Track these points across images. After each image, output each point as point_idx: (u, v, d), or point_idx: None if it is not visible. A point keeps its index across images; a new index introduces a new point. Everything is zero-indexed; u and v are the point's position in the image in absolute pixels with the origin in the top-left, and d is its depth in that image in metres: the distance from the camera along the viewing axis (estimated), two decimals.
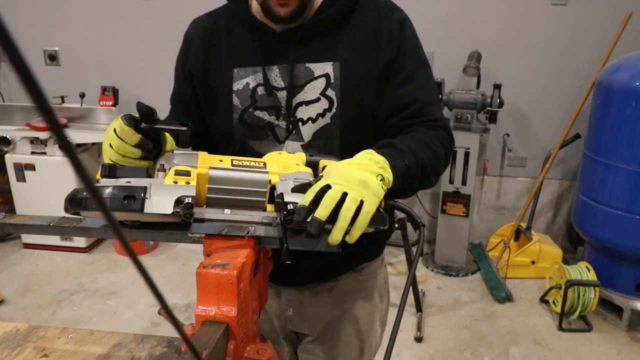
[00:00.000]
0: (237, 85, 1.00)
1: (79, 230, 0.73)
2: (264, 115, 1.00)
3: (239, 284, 0.64)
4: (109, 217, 0.28)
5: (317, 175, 0.83)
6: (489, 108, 2.88)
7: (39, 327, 0.91)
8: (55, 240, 3.24)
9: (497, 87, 2.85)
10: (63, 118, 3.16)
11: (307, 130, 0.99)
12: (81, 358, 0.83)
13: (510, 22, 3.07)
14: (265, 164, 0.79)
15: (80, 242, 3.24)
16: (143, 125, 0.75)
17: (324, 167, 0.86)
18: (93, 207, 0.64)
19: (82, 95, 3.20)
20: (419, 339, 2.46)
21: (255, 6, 1.00)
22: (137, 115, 0.77)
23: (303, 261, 1.06)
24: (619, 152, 2.44)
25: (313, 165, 0.86)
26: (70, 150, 0.24)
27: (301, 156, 0.86)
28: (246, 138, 1.02)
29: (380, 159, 0.77)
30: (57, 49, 3.49)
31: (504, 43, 3.10)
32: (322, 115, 0.98)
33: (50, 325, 0.92)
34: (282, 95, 0.99)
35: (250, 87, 1.00)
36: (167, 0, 3.28)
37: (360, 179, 0.70)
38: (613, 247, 2.55)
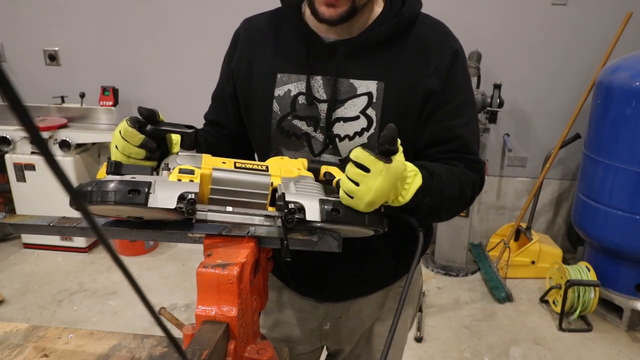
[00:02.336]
0: (279, 91, 0.97)
1: (79, 230, 0.73)
2: (302, 125, 0.97)
3: (239, 284, 0.64)
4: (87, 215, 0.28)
5: (317, 181, 0.84)
6: (489, 108, 2.87)
7: (39, 327, 0.91)
8: (55, 240, 3.24)
9: (497, 87, 2.85)
10: (63, 118, 3.15)
11: (345, 147, 0.95)
12: (81, 358, 0.83)
13: (510, 22, 3.07)
14: (267, 167, 0.79)
15: (80, 242, 3.23)
16: (148, 127, 0.77)
17: (325, 173, 0.86)
18: (98, 201, 0.65)
19: (82, 95, 3.20)
20: (419, 339, 2.46)
21: (308, 13, 0.96)
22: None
23: (345, 278, 1.06)
24: (619, 152, 2.44)
25: (315, 171, 0.86)
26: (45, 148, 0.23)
27: (302, 161, 0.87)
28: (281, 146, 0.99)
29: (413, 189, 0.78)
30: (57, 49, 3.49)
31: (504, 43, 3.10)
32: (359, 134, 0.94)
33: (50, 325, 0.92)
34: (323, 107, 0.95)
35: (292, 94, 0.97)
36: (166, 1, 3.28)
37: (372, 201, 0.72)
38: (613, 247, 2.55)
